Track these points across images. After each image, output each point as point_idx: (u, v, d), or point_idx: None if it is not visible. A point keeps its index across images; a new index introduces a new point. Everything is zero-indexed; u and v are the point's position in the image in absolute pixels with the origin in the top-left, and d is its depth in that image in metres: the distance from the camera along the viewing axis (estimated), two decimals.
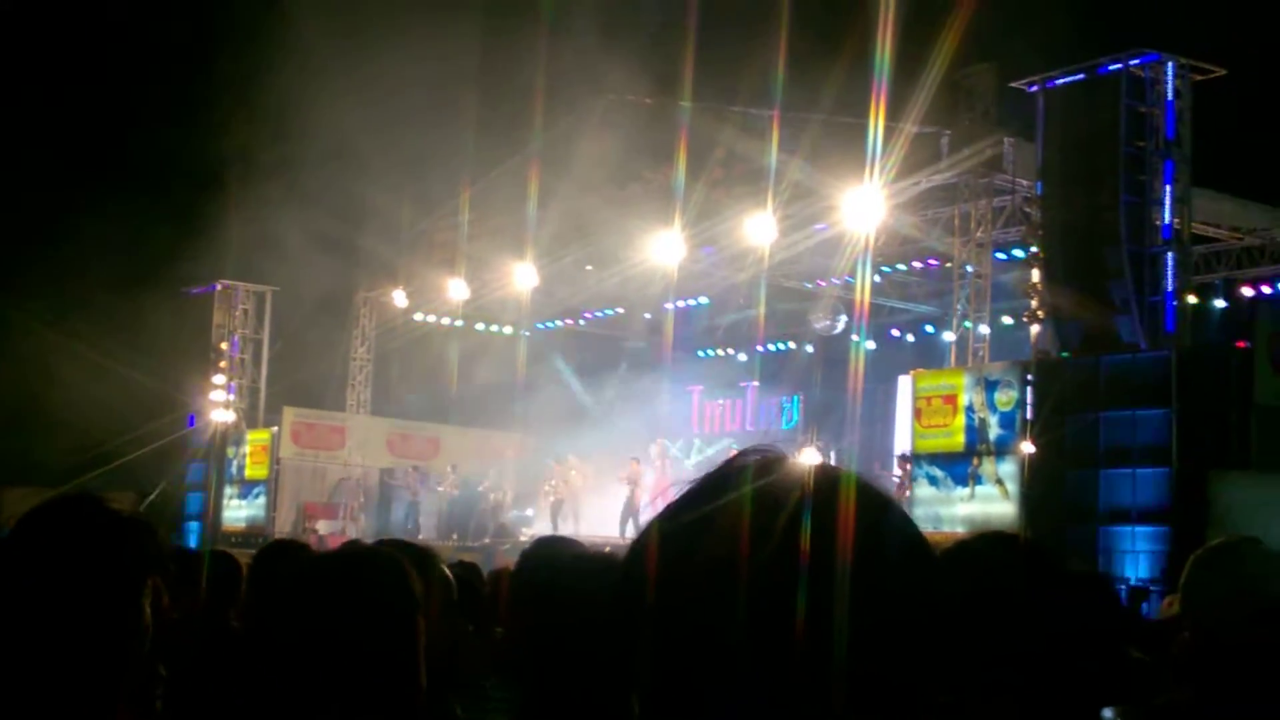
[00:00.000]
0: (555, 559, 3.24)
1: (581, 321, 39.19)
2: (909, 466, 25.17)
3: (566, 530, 31.77)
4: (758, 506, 1.26)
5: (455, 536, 33.90)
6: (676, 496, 1.33)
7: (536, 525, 33.74)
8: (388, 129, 30.96)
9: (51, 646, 2.48)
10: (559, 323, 39.08)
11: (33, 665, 2.47)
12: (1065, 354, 22.12)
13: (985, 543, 2.85)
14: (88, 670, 2.51)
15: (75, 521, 2.60)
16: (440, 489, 36.03)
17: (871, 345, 33.37)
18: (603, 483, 32.62)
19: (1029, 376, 22.39)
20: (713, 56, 27.10)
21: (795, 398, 34.50)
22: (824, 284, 31.64)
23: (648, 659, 1.27)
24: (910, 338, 34.41)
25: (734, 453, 1.35)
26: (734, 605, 1.21)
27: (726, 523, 1.26)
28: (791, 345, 36.52)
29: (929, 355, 30.41)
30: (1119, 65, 21.58)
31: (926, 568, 1.29)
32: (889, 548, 1.26)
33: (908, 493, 24.87)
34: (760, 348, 36.85)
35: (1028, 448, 21.91)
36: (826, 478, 1.28)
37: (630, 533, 29.38)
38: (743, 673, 1.20)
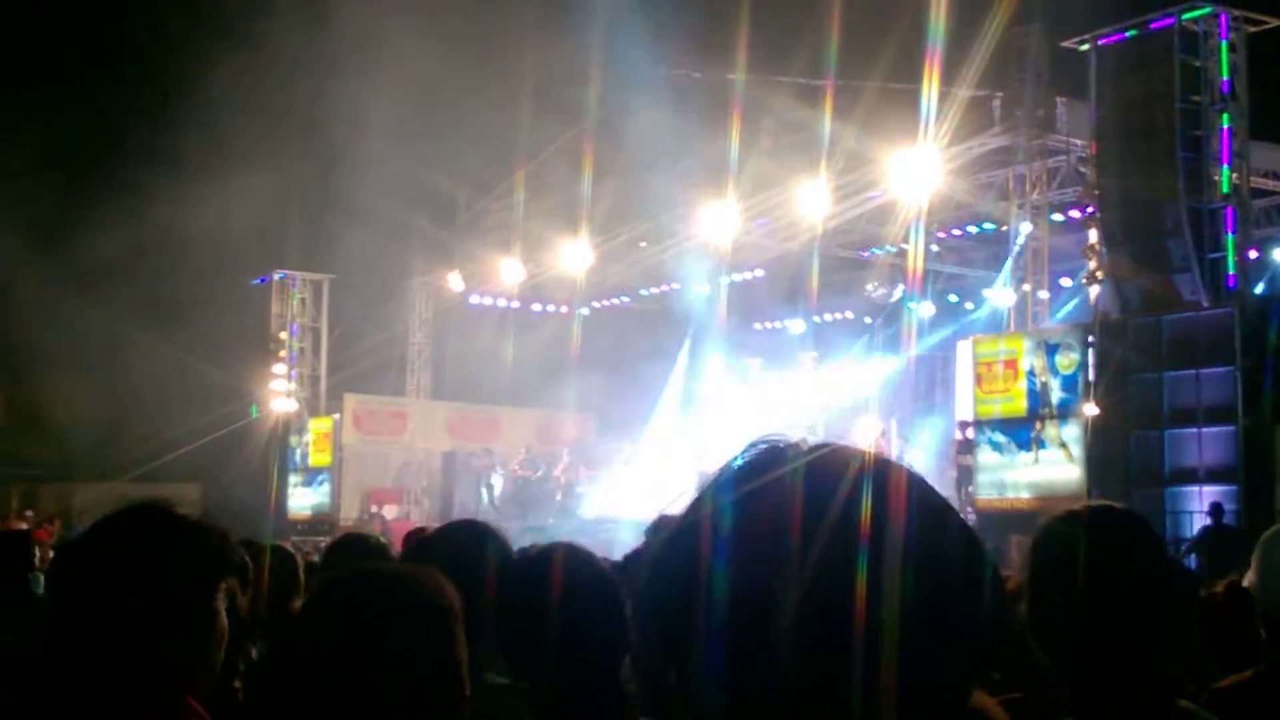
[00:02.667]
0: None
1: (639, 299, 39.15)
2: (971, 433, 25.03)
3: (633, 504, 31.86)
4: (810, 482, 1.24)
5: (529, 517, 34.01)
6: (723, 472, 1.30)
7: (588, 504, 33.80)
8: (441, 112, 31.06)
9: (128, 652, 2.51)
10: (615, 300, 39.07)
11: (110, 670, 2.50)
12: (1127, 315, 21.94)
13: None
14: (163, 675, 2.54)
15: (150, 531, 2.63)
16: (515, 468, 36.13)
17: (929, 311, 33.18)
18: (667, 459, 32.68)
19: (1090, 338, 22.22)
20: (765, 27, 27.06)
21: (854, 368, 34.33)
22: (879, 252, 31.50)
23: (690, 633, 1.23)
24: (968, 303, 34.20)
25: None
26: (784, 582, 1.18)
27: (777, 498, 1.24)
28: (848, 315, 36.36)
29: (987, 320, 30.20)
30: (1170, 19, 21.33)
31: (970, 550, 1.25)
32: (940, 528, 1.24)
33: (971, 459, 24.78)
34: (816, 318, 36.72)
35: (1091, 410, 21.76)
36: (879, 459, 1.26)
37: None
38: (787, 653, 1.18)
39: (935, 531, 1.23)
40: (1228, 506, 19.56)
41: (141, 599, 2.54)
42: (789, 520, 1.21)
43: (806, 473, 1.24)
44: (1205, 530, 18.72)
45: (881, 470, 1.24)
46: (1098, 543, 2.72)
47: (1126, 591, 2.69)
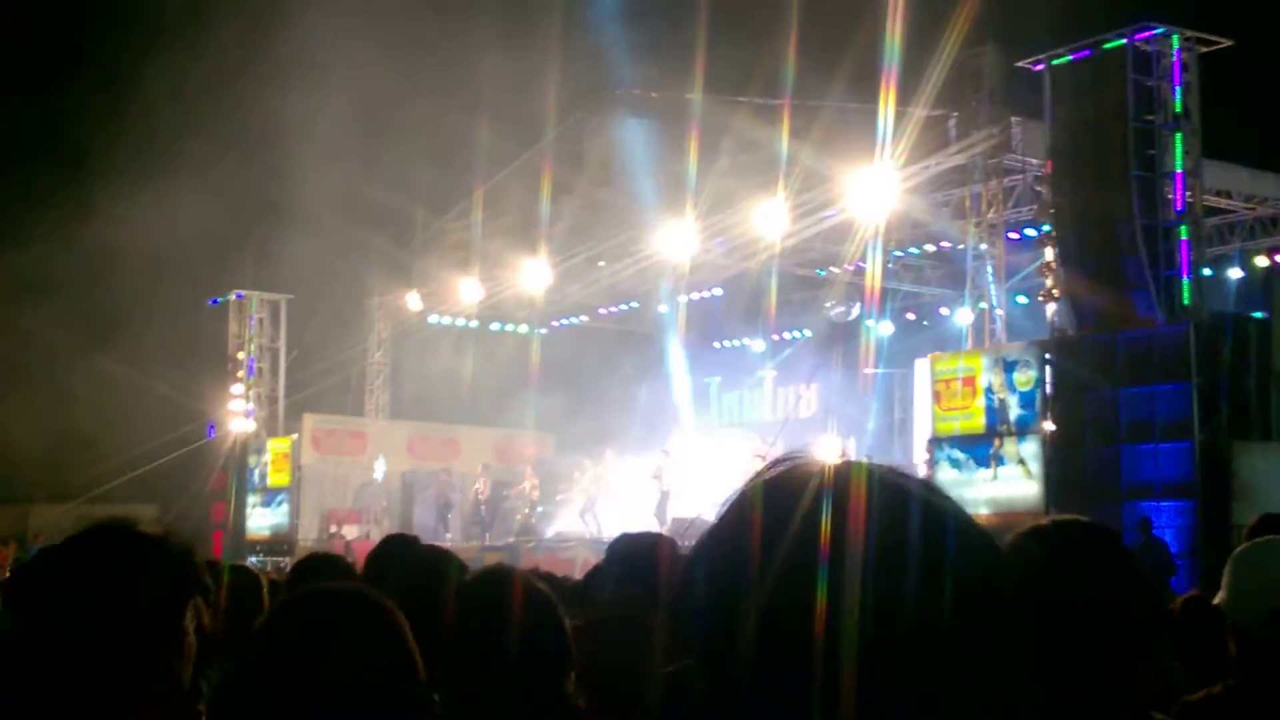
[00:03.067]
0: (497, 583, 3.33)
1: (597, 318, 39.15)
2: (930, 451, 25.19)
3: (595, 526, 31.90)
4: (769, 499, 1.24)
5: (487, 536, 33.98)
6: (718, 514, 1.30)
7: (558, 523, 33.81)
8: (398, 131, 31.05)
9: (96, 675, 2.50)
10: (573, 319, 39.08)
11: (76, 692, 2.49)
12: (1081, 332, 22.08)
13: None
14: (132, 694, 2.54)
15: (114, 550, 2.62)
16: (478, 488, 36.08)
17: (888, 330, 33.34)
18: (629, 478, 32.71)
19: (1047, 356, 22.36)
20: (722, 48, 27.17)
21: (812, 385, 34.43)
22: (836, 271, 31.62)
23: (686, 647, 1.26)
24: (925, 321, 34.38)
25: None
26: (746, 599, 1.19)
27: (736, 516, 1.25)
28: (807, 333, 36.49)
29: (945, 338, 30.35)
30: (1124, 40, 21.52)
31: (959, 552, 1.24)
32: (912, 535, 1.21)
33: (930, 476, 24.88)
34: (775, 336, 36.83)
35: (1049, 427, 21.90)
36: (842, 468, 1.25)
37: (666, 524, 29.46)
38: (756, 671, 1.18)
39: (896, 532, 1.21)
40: (1186, 522, 19.72)
41: (108, 619, 2.52)
42: (750, 533, 1.21)
43: (765, 487, 1.25)
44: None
45: (842, 475, 1.24)
46: (1064, 557, 2.74)
47: (1094, 605, 2.71)
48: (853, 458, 1.29)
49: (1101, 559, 2.80)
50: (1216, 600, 3.86)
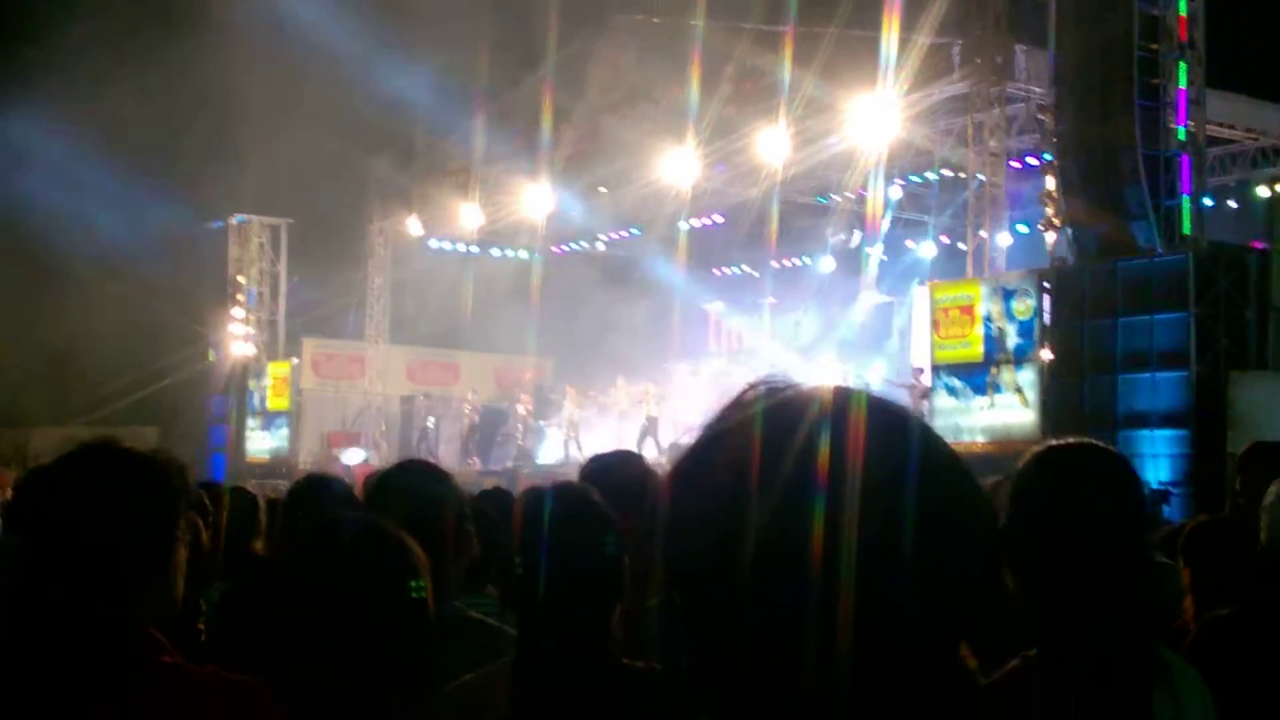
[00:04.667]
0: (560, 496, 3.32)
1: (598, 245, 39.09)
2: (922, 378, 25.26)
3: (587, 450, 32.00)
4: (768, 424, 1.25)
5: (476, 460, 34.17)
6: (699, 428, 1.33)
7: (549, 447, 34.00)
8: (398, 54, 30.87)
9: (92, 587, 2.56)
10: (574, 245, 39.02)
11: (73, 606, 2.54)
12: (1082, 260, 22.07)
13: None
14: (126, 609, 2.59)
15: (105, 466, 2.67)
16: (466, 409, 36.26)
17: (930, 251, 33.28)
18: (620, 406, 32.89)
19: (1046, 284, 22.36)
20: None
21: (809, 312, 34.44)
22: (837, 198, 31.56)
23: (668, 583, 1.28)
24: (926, 249, 34.33)
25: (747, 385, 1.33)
26: (745, 524, 1.20)
27: (736, 441, 1.25)
28: (807, 260, 36.47)
29: (945, 266, 30.35)
30: None
31: (951, 482, 1.28)
32: (908, 461, 1.24)
33: (925, 404, 24.96)
34: (775, 264, 36.79)
35: (1046, 355, 21.93)
36: (838, 395, 1.27)
37: (651, 452, 29.57)
38: (751, 596, 1.20)
39: (892, 465, 1.23)
40: (1181, 451, 19.79)
41: (103, 531, 2.57)
42: (748, 462, 1.23)
43: (764, 415, 1.26)
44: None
45: (841, 402, 1.26)
46: (1080, 479, 2.82)
47: (1109, 527, 2.79)
48: (840, 383, 1.31)
49: (1116, 480, 2.87)
50: (1261, 528, 3.96)
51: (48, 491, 2.68)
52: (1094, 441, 2.97)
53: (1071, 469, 2.87)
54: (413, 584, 2.52)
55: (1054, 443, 2.94)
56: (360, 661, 2.44)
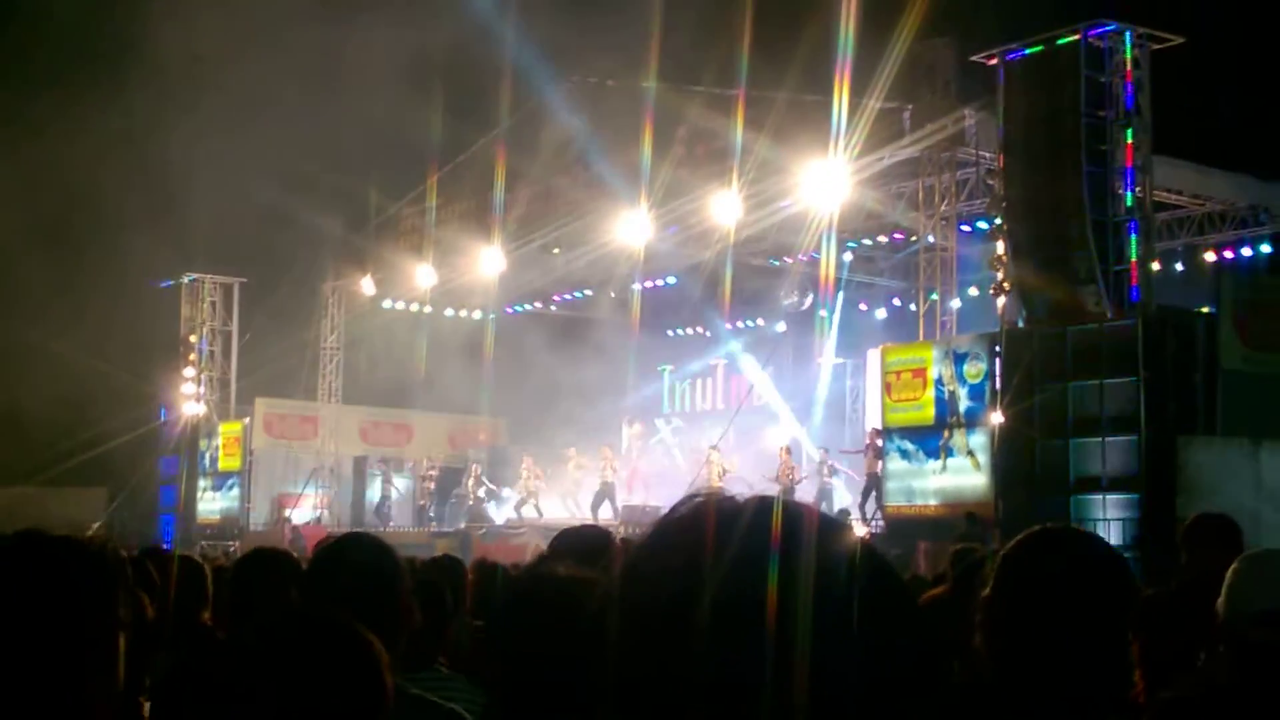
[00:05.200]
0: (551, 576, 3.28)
1: (551, 306, 39.15)
2: (879, 441, 25.32)
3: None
4: (719, 508, 1.35)
5: (434, 524, 34.07)
6: (642, 534, 1.41)
7: (505, 510, 33.97)
8: (352, 117, 30.95)
9: (31, 681, 2.53)
10: (528, 306, 39.05)
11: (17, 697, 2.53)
12: (1031, 325, 22.22)
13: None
14: (72, 695, 2.57)
15: (34, 558, 2.59)
16: (425, 474, 36.20)
17: (838, 319, 33.47)
18: (573, 477, 32.95)
19: (997, 348, 22.49)
20: (676, 36, 27.20)
21: (764, 374, 34.52)
22: (790, 260, 31.72)
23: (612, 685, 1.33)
24: (879, 312, 34.53)
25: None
26: (702, 584, 1.28)
27: (691, 522, 1.35)
28: (760, 322, 36.60)
29: (897, 329, 30.51)
30: (1077, 36, 21.66)
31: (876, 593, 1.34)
32: (836, 572, 1.32)
33: (880, 465, 25.06)
34: (729, 325, 36.91)
35: (997, 419, 22.04)
36: (764, 500, 1.36)
37: (608, 515, 29.58)
38: (710, 648, 1.27)
39: (828, 554, 1.32)
40: (1129, 515, 19.89)
41: (32, 629, 2.55)
42: (706, 534, 1.32)
43: (716, 503, 1.36)
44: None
45: (787, 509, 1.35)
46: (1071, 570, 2.86)
47: (1106, 617, 2.85)
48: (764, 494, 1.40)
49: (1102, 568, 2.93)
50: (1218, 605, 4.00)
51: None
52: (1078, 528, 3.06)
53: (1067, 551, 2.92)
54: (375, 686, 2.54)
55: (1046, 527, 3.00)
56: None
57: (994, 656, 2.84)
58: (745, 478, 27.85)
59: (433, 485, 35.93)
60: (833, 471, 28.75)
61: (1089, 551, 2.95)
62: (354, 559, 4.10)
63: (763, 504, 1.36)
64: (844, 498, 28.61)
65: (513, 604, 3.07)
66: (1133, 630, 4.88)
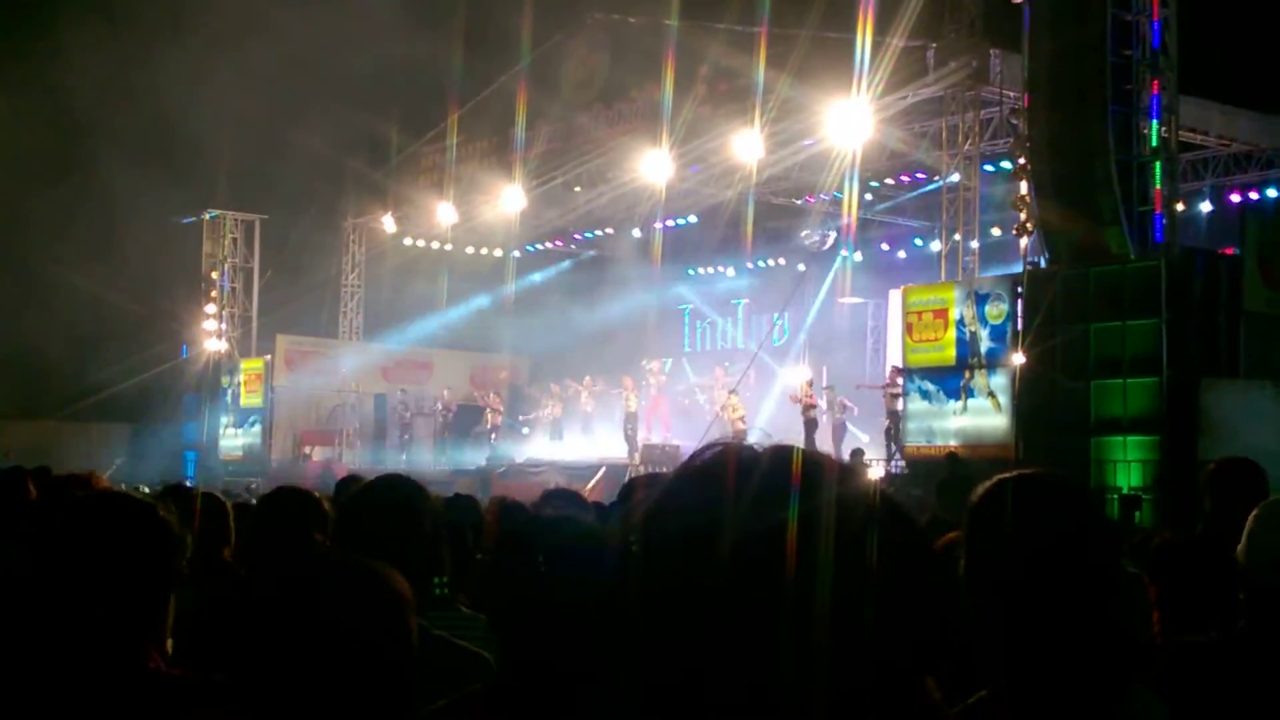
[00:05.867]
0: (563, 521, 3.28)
1: (572, 244, 39.14)
2: (900, 380, 25.33)
3: (564, 446, 32.21)
4: (740, 454, 1.38)
5: (463, 461, 34.20)
6: (663, 482, 1.42)
7: (532, 445, 34.07)
8: (373, 53, 30.83)
9: (103, 621, 2.91)
10: (548, 244, 39.05)
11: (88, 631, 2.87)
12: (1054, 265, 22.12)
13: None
14: (131, 633, 2.91)
15: (121, 521, 3.03)
16: (439, 407, 36.32)
17: (860, 259, 33.42)
18: (602, 401, 33.04)
19: (1019, 289, 22.41)
20: None
21: (785, 314, 34.53)
22: (812, 200, 31.62)
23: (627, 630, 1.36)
24: (900, 252, 34.44)
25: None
26: (721, 527, 1.31)
27: (712, 468, 1.38)
28: (781, 261, 36.54)
29: (919, 269, 30.42)
30: None
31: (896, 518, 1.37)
32: (858, 496, 1.36)
33: (900, 404, 25.07)
34: (750, 264, 36.88)
35: (1019, 360, 21.97)
36: (783, 449, 1.39)
37: (622, 452, 29.73)
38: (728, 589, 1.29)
39: (848, 497, 1.35)
40: (1152, 457, 19.86)
41: (115, 576, 2.95)
42: (726, 480, 1.35)
43: (735, 451, 1.39)
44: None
45: (810, 459, 1.37)
46: (1042, 510, 2.81)
47: (1068, 562, 2.78)
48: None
49: (1073, 516, 2.86)
50: (1238, 552, 3.97)
51: (71, 538, 3.01)
52: (1046, 469, 2.97)
53: (1028, 499, 2.84)
54: (398, 629, 2.60)
55: (1006, 475, 2.92)
56: (340, 693, 2.50)
57: (974, 614, 2.79)
58: (764, 428, 27.98)
59: (450, 419, 36.06)
60: (844, 408, 28.86)
61: (1056, 496, 2.88)
62: (387, 501, 4.13)
63: (781, 452, 1.37)
64: (856, 436, 28.70)
65: (534, 546, 3.08)
66: (1150, 574, 4.89)
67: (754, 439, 1.48)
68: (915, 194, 31.37)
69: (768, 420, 30.63)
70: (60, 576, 2.93)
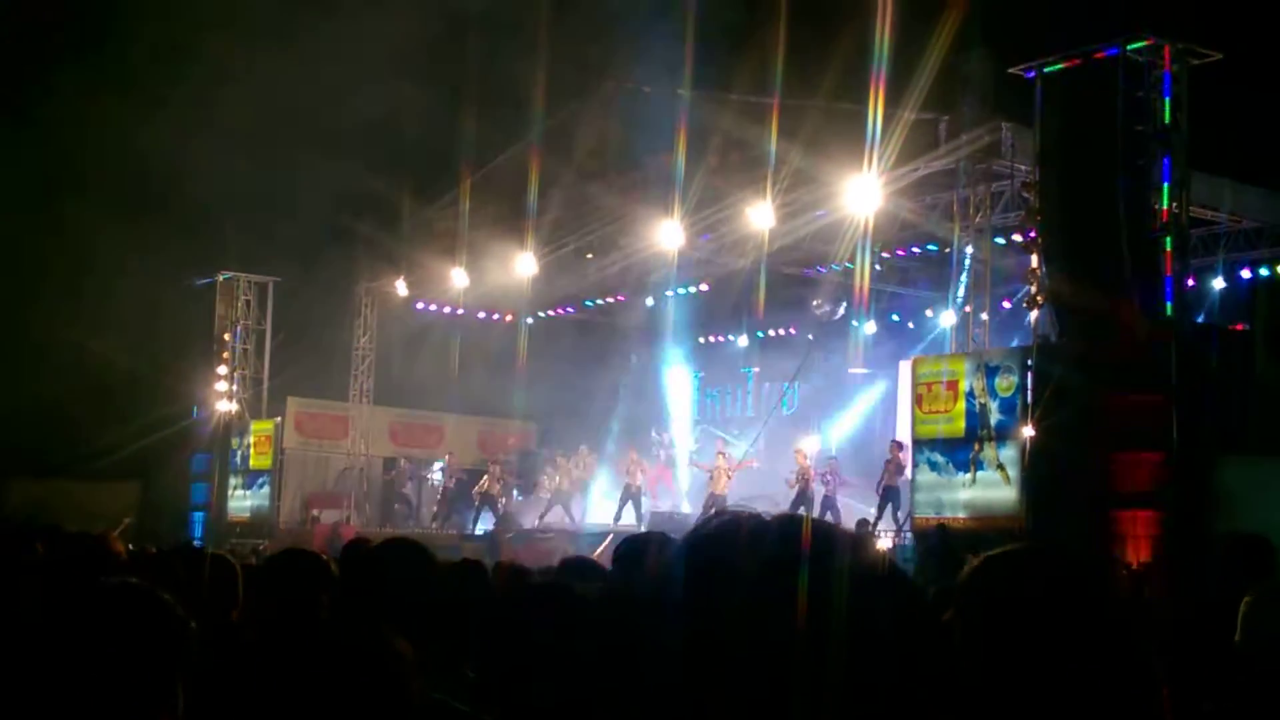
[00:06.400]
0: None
1: (583, 309, 39.24)
2: (900, 454, 25.37)
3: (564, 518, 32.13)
4: (750, 524, 1.42)
5: (454, 527, 34.13)
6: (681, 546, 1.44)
7: (531, 514, 34.05)
8: (389, 118, 31.04)
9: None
10: (560, 311, 39.14)
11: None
12: (1063, 338, 22.12)
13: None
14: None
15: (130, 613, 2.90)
16: (448, 480, 36.31)
17: (871, 330, 33.44)
18: (605, 473, 33.02)
19: (1029, 361, 22.41)
20: (712, 43, 27.22)
21: (795, 383, 34.54)
22: (824, 270, 31.71)
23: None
24: (910, 324, 34.47)
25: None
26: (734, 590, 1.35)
27: (725, 532, 1.42)
28: (792, 331, 36.59)
29: (929, 340, 30.46)
30: (1116, 50, 21.54)
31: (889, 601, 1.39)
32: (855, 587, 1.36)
33: (898, 479, 25.09)
34: (760, 334, 36.93)
35: (1028, 433, 21.96)
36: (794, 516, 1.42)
37: (631, 519, 29.63)
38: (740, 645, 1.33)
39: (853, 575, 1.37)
40: (1159, 532, 19.77)
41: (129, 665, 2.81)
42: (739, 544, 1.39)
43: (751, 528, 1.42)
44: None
45: (816, 529, 1.41)
46: (1034, 592, 2.79)
47: (1063, 639, 2.76)
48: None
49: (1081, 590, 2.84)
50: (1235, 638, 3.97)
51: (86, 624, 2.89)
52: (1039, 543, 2.96)
53: (1016, 577, 2.82)
54: (399, 694, 2.61)
55: (993, 553, 2.90)
56: None
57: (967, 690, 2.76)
58: (765, 493, 27.93)
59: (452, 486, 36.06)
60: (841, 483, 28.78)
61: (1052, 571, 2.85)
62: (393, 565, 4.15)
63: (791, 520, 1.38)
64: (853, 508, 28.62)
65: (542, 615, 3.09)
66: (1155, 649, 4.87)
67: (760, 506, 1.50)
68: (927, 266, 31.44)
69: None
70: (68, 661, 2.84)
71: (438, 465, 38.91)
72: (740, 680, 1.30)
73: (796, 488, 27.73)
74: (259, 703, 2.63)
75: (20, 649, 2.82)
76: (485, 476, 34.72)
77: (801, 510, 26.83)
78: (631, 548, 4.73)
